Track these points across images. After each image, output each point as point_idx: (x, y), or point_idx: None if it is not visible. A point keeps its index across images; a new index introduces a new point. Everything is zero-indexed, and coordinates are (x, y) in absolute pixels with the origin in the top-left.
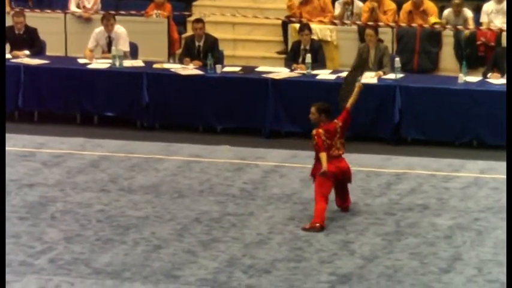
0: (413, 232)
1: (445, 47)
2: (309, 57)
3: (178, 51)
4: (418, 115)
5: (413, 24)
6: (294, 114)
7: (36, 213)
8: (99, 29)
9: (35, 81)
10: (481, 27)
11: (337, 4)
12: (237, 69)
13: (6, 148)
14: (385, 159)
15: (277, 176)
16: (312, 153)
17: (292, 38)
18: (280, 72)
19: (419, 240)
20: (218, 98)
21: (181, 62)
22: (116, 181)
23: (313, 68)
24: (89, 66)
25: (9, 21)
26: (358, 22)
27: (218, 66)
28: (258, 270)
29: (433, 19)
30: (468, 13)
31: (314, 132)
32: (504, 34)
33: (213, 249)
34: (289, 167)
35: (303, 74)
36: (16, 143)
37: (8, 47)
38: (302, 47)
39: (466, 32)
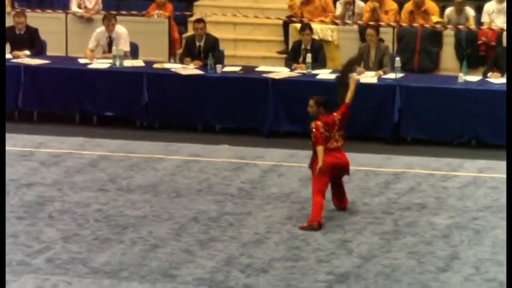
0: (411, 231)
1: (445, 47)
2: (309, 57)
3: (179, 51)
4: (418, 115)
5: (415, 24)
6: (294, 114)
7: (34, 212)
8: (100, 29)
9: (35, 81)
10: (482, 27)
11: (338, 4)
12: (237, 69)
13: (6, 148)
14: (384, 158)
15: (276, 176)
16: (310, 153)
17: (293, 37)
18: (280, 72)
19: (417, 239)
20: (218, 97)
21: (181, 61)
22: (115, 181)
23: (313, 68)
24: (89, 66)
25: (10, 22)
26: (360, 22)
27: (218, 66)
28: (255, 269)
29: (435, 18)
30: (470, 11)
31: (313, 124)
32: (505, 34)
33: (210, 249)
34: (288, 166)
35: (303, 73)
36: (16, 142)
37: (8, 47)
38: (303, 46)
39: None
